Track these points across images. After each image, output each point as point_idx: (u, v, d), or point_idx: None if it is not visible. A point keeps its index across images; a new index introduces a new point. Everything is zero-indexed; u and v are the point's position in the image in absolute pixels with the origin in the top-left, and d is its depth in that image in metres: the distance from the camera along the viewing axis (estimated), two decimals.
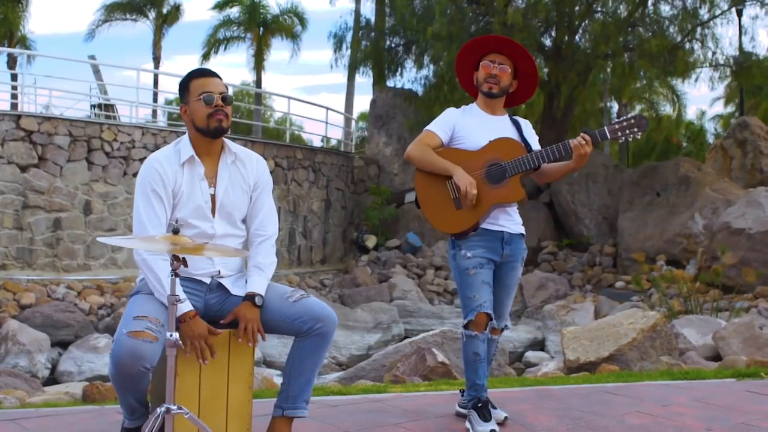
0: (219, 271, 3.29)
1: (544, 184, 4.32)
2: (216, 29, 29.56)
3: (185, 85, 3.31)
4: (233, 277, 3.36)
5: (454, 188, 3.83)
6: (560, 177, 4.06)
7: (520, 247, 3.99)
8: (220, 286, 3.31)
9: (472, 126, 3.94)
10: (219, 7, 29.84)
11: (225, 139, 3.38)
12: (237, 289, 3.31)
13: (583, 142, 3.71)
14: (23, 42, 31.19)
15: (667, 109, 31.25)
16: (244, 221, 3.42)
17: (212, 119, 3.25)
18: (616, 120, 3.84)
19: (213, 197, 3.30)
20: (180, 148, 3.31)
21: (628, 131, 3.76)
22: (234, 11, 29.84)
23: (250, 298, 3.22)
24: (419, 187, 3.96)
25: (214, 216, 3.30)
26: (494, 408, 3.95)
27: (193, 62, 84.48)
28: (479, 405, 3.82)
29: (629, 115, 3.80)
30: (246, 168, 3.39)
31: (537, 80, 4.13)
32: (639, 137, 3.84)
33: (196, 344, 3.06)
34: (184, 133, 3.39)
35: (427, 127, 4.00)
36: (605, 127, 3.82)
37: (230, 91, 3.51)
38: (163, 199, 3.21)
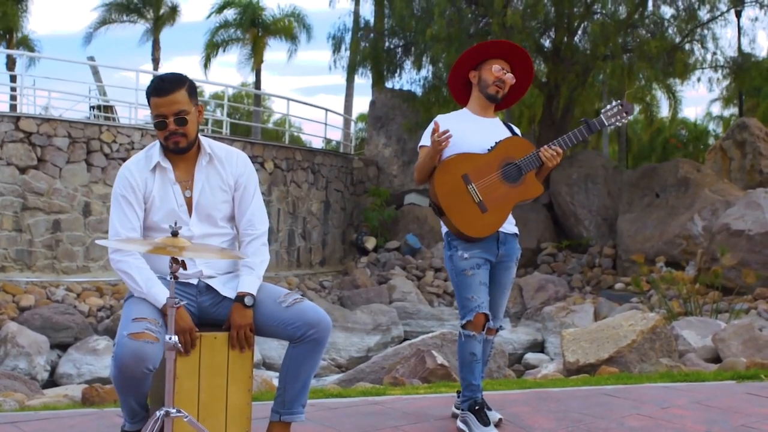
0: (201, 272, 3.23)
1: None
2: (214, 32, 29.50)
3: (147, 98, 3.25)
4: (224, 277, 3.32)
5: (476, 192, 3.86)
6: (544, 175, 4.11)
7: (514, 246, 4.03)
8: (210, 287, 3.29)
9: (469, 130, 3.94)
10: (219, 10, 29.78)
11: (202, 140, 3.32)
12: (228, 291, 3.27)
13: (553, 153, 3.92)
14: (25, 42, 31.08)
15: (663, 110, 31.25)
16: (230, 220, 3.38)
17: (168, 141, 3.22)
18: (608, 107, 4.12)
19: (189, 200, 3.29)
20: (152, 153, 3.29)
21: (619, 117, 4.07)
22: (231, 13, 29.78)
23: (239, 299, 3.21)
24: (441, 195, 3.90)
25: (190, 218, 3.29)
26: (489, 410, 3.95)
27: (192, 63, 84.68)
28: (476, 407, 3.81)
29: (616, 102, 4.12)
30: (224, 167, 3.34)
31: (529, 86, 4.23)
32: (626, 122, 4.22)
33: (180, 338, 3.02)
34: None
35: (420, 144, 4.02)
36: (601, 116, 4.11)
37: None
38: (134, 204, 3.21)
